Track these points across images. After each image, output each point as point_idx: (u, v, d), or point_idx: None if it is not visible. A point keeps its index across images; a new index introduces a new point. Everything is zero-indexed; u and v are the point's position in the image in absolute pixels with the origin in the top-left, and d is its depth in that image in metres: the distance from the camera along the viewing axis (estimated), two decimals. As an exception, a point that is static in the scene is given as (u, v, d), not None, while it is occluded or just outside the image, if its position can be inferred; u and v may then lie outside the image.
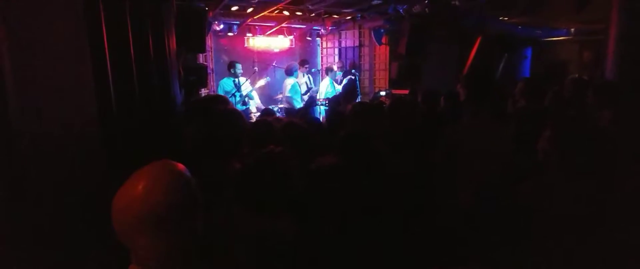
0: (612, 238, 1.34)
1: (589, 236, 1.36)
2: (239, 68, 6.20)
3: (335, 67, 7.37)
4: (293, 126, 2.57)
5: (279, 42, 8.33)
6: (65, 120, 1.45)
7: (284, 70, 7.09)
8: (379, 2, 6.29)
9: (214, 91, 7.03)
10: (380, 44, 7.86)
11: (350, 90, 5.60)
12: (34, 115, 1.30)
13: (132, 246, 0.92)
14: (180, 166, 0.98)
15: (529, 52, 9.03)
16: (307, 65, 7.31)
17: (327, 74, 7.37)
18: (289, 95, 6.69)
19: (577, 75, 6.93)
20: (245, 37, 7.95)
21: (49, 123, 1.36)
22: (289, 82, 6.81)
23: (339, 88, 7.03)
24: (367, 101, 6.60)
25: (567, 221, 1.39)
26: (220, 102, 2.96)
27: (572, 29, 8.22)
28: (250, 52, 8.05)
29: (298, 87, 6.83)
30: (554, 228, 1.41)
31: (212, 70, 7.47)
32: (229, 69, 6.30)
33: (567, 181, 1.47)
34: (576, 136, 1.51)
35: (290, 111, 6.19)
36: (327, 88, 7.10)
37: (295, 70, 7.01)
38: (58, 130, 1.41)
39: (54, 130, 1.38)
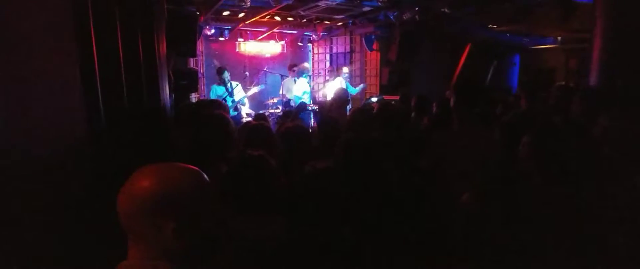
0: (592, 242, 1.36)
1: (568, 241, 1.38)
2: (227, 75, 6.19)
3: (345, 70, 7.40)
4: (293, 129, 2.61)
5: (271, 48, 8.35)
6: (52, 123, 1.44)
7: (294, 72, 7.15)
8: (369, 8, 6.35)
9: (204, 96, 7.00)
10: (371, 50, 7.92)
11: (341, 96, 5.62)
12: (21, 119, 1.29)
13: (138, 235, 0.91)
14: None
15: (517, 60, 9.18)
16: (295, 69, 7.34)
17: (338, 74, 7.37)
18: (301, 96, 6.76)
19: (563, 83, 7.06)
20: (237, 42, 7.95)
21: (36, 127, 1.35)
22: (301, 83, 6.85)
23: (357, 89, 7.16)
24: (360, 107, 6.63)
25: (547, 225, 1.41)
26: (215, 107, 2.97)
27: (559, 37, 8.38)
28: (241, 57, 8.05)
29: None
30: (534, 232, 1.43)
31: (203, 75, 7.44)
32: (218, 75, 6.29)
33: (545, 186, 1.49)
34: (553, 142, 1.53)
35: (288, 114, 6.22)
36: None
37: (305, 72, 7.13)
38: (45, 134, 1.39)
39: (41, 134, 1.37)
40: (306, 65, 7.28)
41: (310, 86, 6.99)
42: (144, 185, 0.90)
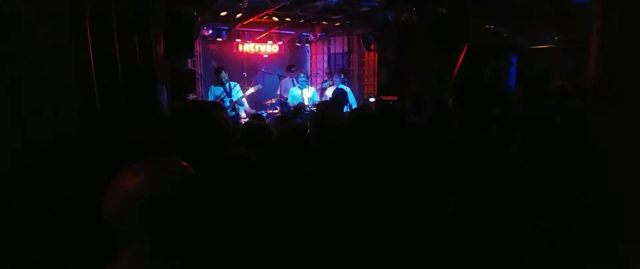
0: (586, 239, 1.36)
1: (564, 240, 1.38)
2: (224, 75, 6.20)
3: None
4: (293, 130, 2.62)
5: (268, 48, 8.34)
6: (48, 125, 1.43)
7: (293, 73, 7.11)
8: (367, 9, 6.35)
9: (202, 96, 6.99)
10: (368, 50, 7.92)
11: (339, 97, 5.62)
12: (17, 120, 1.28)
13: (126, 235, 0.90)
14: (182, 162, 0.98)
15: (514, 60, 9.19)
16: (294, 70, 7.33)
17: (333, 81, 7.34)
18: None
19: (561, 82, 7.07)
20: (234, 43, 7.93)
21: (31, 127, 1.34)
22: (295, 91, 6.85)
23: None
24: (357, 107, 6.62)
25: (540, 223, 1.41)
26: (212, 108, 2.96)
27: (556, 38, 8.40)
28: (239, 57, 8.03)
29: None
30: (527, 229, 1.43)
31: (201, 76, 7.43)
32: (215, 75, 6.30)
33: (538, 185, 1.49)
34: (548, 142, 1.53)
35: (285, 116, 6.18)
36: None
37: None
38: (41, 135, 1.39)
39: (37, 135, 1.36)
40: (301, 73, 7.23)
41: (301, 91, 6.91)
42: (131, 183, 0.89)
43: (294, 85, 6.95)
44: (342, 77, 7.14)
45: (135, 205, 0.87)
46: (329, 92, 7.06)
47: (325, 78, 8.27)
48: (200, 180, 0.97)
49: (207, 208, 0.99)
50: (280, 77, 7.15)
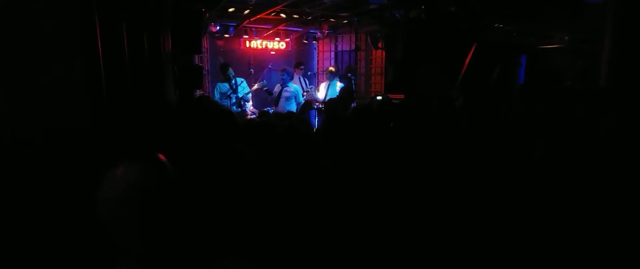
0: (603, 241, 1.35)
1: (579, 238, 1.37)
2: (231, 71, 6.23)
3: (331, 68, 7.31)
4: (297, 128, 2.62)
5: (276, 45, 8.33)
6: (55, 119, 1.43)
7: (301, 70, 7.13)
8: (375, 6, 6.32)
9: (209, 92, 7.02)
10: (376, 48, 7.89)
11: (347, 94, 5.61)
12: (23, 114, 1.29)
13: (118, 238, 0.90)
14: (161, 158, 0.97)
15: (523, 60, 9.11)
16: (302, 67, 7.31)
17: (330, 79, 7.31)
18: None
19: (570, 83, 6.99)
20: (242, 39, 7.94)
21: (39, 123, 1.35)
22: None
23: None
24: (362, 105, 6.58)
25: (561, 223, 1.40)
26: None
27: (566, 38, 8.30)
28: (246, 54, 8.04)
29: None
30: (545, 229, 1.42)
31: (208, 72, 7.45)
32: (221, 72, 6.32)
33: (560, 186, 1.48)
34: (569, 144, 1.52)
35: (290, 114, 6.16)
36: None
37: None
38: (51, 130, 1.39)
39: (44, 130, 1.37)
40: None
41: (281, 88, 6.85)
42: (113, 180, 0.90)
43: (299, 83, 6.95)
44: (333, 73, 7.10)
45: (118, 201, 0.88)
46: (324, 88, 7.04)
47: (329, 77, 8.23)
48: (180, 175, 0.96)
49: (189, 203, 0.98)
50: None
